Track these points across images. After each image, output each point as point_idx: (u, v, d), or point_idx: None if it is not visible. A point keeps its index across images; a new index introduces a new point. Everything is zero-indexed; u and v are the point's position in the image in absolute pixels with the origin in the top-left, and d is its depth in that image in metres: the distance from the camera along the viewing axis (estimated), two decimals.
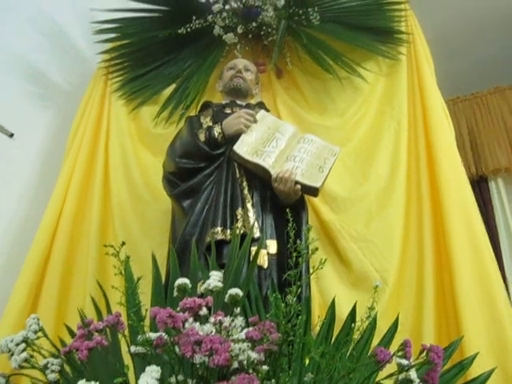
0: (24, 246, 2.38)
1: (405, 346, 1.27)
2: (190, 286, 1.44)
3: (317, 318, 1.62)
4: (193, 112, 2.76)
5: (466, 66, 4.24)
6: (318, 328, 1.65)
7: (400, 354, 1.27)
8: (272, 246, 1.96)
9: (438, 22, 3.55)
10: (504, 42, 4.18)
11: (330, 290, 2.31)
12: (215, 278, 1.49)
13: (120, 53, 2.97)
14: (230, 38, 2.80)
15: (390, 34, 2.90)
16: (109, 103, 2.87)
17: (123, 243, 1.45)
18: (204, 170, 2.08)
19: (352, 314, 1.67)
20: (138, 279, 1.46)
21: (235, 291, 1.41)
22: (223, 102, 2.40)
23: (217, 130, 2.12)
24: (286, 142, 2.14)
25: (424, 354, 1.27)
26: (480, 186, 4.03)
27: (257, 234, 1.89)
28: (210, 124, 2.21)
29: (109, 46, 2.99)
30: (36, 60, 2.95)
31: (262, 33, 2.83)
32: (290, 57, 2.83)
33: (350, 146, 2.65)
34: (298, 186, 1.99)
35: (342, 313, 1.77)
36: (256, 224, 1.91)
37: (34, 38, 2.94)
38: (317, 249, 1.71)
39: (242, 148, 2.05)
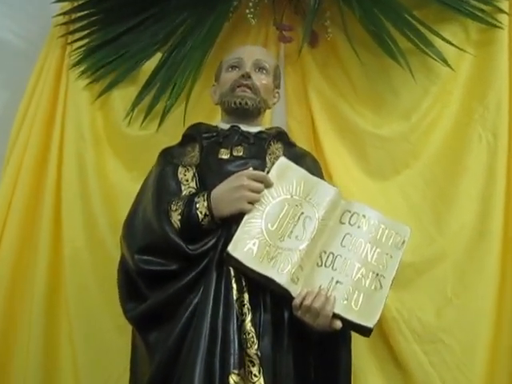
0: None
1: None
2: None
3: None
4: (183, 104, 1.88)
5: None
6: None
7: None
8: None
9: None
10: None
11: None
12: None
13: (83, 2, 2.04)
14: None
15: None
16: (66, 83, 2.00)
17: None
18: (180, 279, 1.19)
19: None
20: None
21: None
22: (219, 128, 1.44)
23: (201, 210, 1.21)
24: (320, 220, 1.21)
25: None
26: None
27: None
28: (193, 186, 1.30)
29: None
30: None
31: None
32: (330, 17, 1.85)
33: (417, 168, 1.75)
34: (338, 323, 1.16)
35: None
36: None
37: None
38: None
39: (243, 246, 1.15)
